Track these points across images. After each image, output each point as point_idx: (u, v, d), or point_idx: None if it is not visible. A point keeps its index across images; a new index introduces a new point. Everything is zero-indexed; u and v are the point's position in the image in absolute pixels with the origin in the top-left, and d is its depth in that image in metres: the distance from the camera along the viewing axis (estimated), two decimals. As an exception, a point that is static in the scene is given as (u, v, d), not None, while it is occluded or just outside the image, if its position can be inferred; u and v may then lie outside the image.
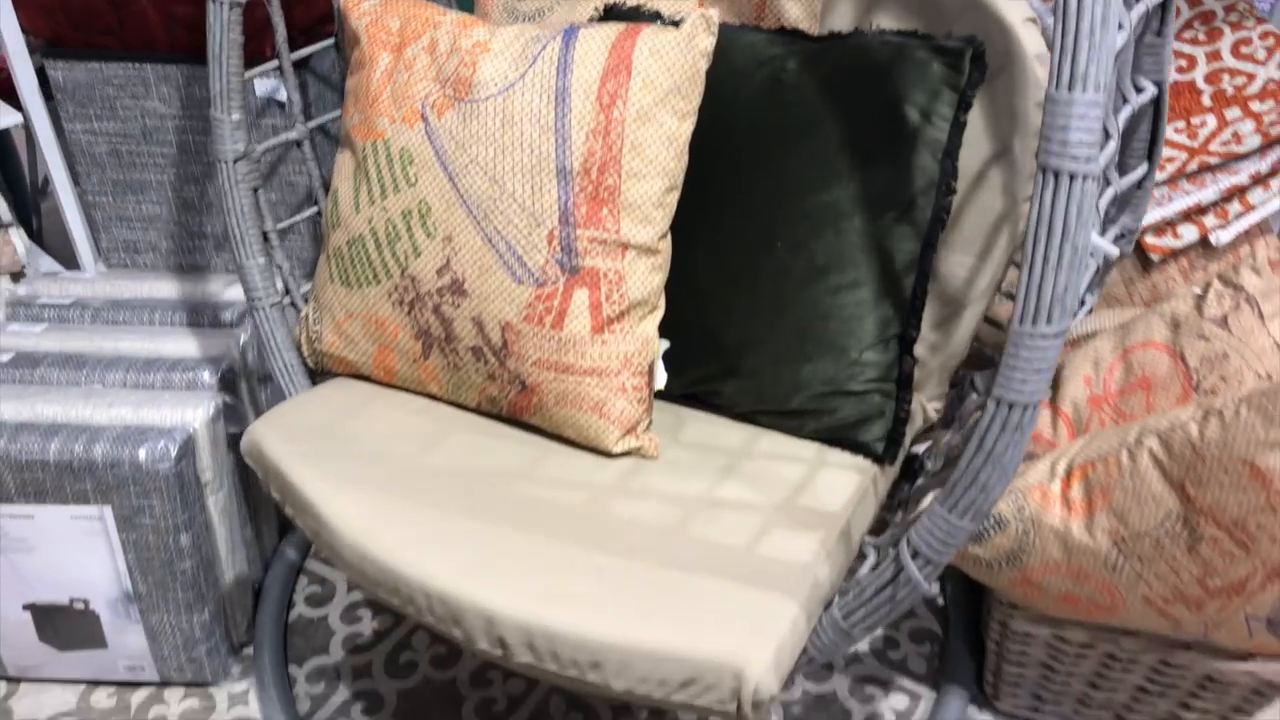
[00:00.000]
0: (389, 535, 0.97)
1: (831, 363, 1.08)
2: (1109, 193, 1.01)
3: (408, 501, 1.00)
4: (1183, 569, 1.05)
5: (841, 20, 1.14)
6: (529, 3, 1.28)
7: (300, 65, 1.31)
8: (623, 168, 1.02)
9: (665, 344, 1.12)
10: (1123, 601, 1.11)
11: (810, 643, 0.92)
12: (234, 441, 1.40)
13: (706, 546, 0.96)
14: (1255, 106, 1.29)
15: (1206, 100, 1.31)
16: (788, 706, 1.39)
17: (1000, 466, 0.79)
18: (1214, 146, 1.31)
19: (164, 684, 1.44)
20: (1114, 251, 0.75)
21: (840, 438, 1.11)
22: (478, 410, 1.16)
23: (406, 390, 1.20)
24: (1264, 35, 1.33)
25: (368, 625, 1.52)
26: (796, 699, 1.40)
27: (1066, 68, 0.69)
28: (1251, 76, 1.29)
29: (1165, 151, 1.32)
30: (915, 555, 0.86)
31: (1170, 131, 1.34)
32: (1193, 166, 1.32)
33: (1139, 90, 1.00)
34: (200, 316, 1.49)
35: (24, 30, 1.43)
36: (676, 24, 1.03)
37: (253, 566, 1.50)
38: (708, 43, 1.01)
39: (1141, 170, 1.09)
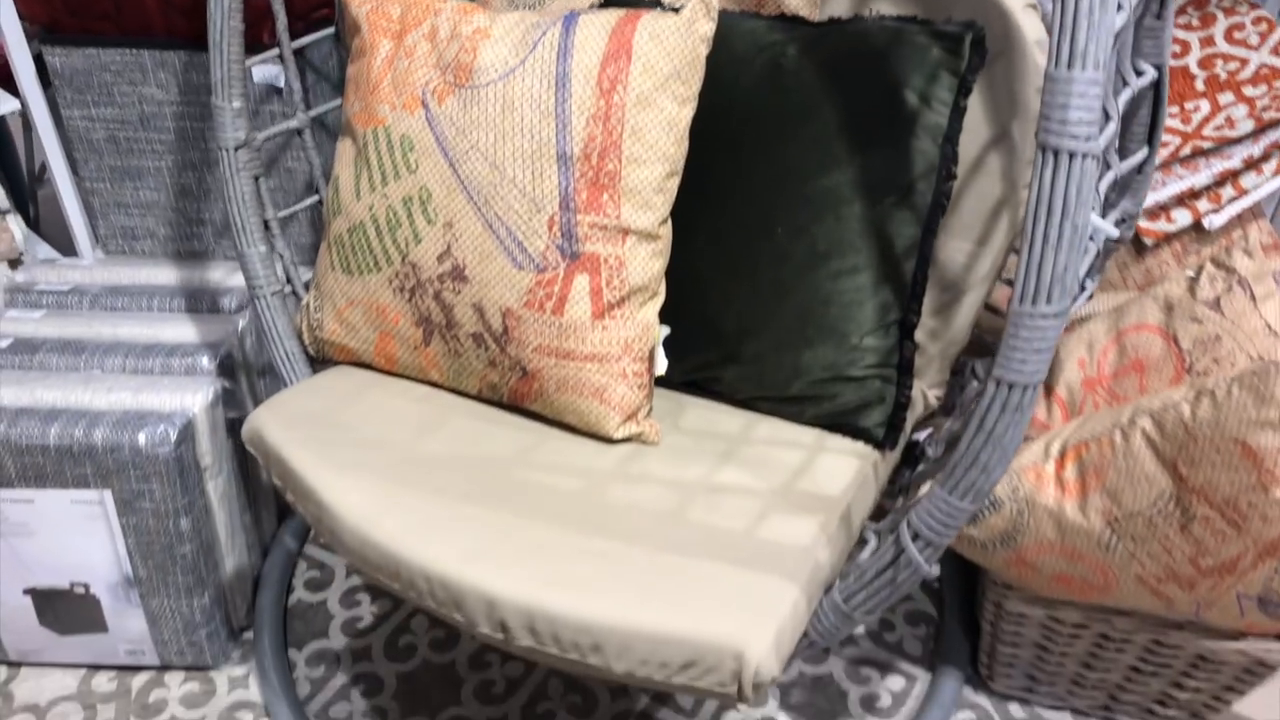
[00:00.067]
0: (390, 521, 0.97)
1: (832, 348, 1.08)
2: (1109, 176, 1.02)
3: (409, 487, 1.01)
4: (1175, 548, 1.06)
5: (841, 6, 1.14)
6: (528, -12, 1.29)
7: (297, 54, 1.31)
8: (623, 153, 1.02)
9: (666, 330, 1.13)
10: (1116, 581, 1.12)
11: (811, 626, 0.93)
12: (233, 426, 1.40)
13: (707, 530, 0.96)
14: (1248, 91, 1.30)
15: (1200, 85, 1.32)
16: (784, 688, 1.41)
17: (1001, 447, 0.79)
18: (1207, 131, 1.32)
19: (164, 668, 1.44)
20: (1114, 232, 0.76)
21: (841, 423, 1.11)
22: (478, 397, 1.17)
23: (407, 378, 1.20)
24: (1257, 20, 1.34)
25: (367, 609, 1.53)
26: (793, 680, 1.42)
27: (1066, 46, 0.70)
28: (1244, 61, 1.29)
29: (1159, 137, 1.33)
30: (916, 537, 0.86)
31: (1163, 117, 1.35)
32: (1186, 151, 1.33)
33: (1139, 73, 1.00)
34: (199, 303, 1.49)
35: (21, 17, 1.42)
36: (676, 10, 1.04)
37: (252, 551, 1.51)
38: (707, 28, 1.02)
39: (1142, 154, 1.09)
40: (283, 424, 1.10)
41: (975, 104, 1.08)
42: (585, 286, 1.05)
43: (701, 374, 1.17)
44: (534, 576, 0.90)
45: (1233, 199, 1.34)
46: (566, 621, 0.87)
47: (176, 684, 1.43)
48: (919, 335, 1.12)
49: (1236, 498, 1.00)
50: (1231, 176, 1.34)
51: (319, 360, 1.26)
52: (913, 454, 1.18)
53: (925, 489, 0.96)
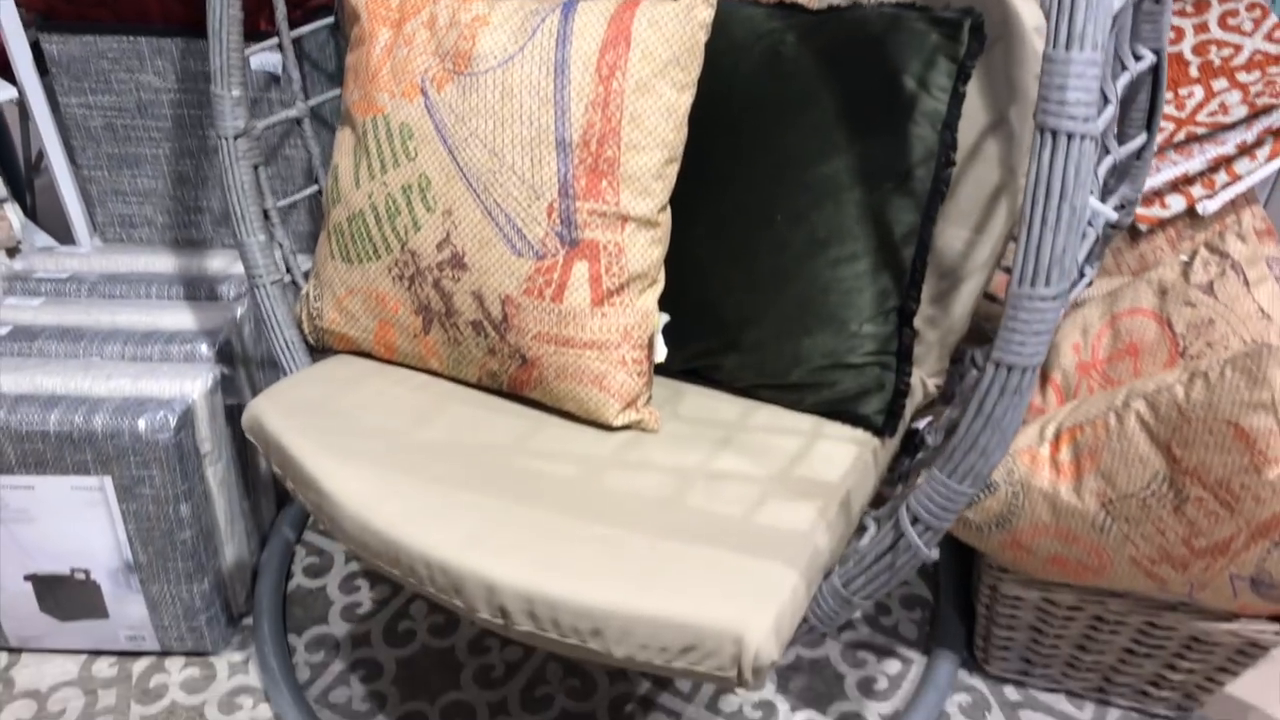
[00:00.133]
0: (390, 507, 0.97)
1: (831, 336, 1.08)
2: (1108, 161, 1.02)
3: (409, 474, 1.01)
4: (1169, 529, 1.07)
5: (838, -8, 1.14)
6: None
7: (295, 43, 1.31)
8: (622, 139, 1.02)
9: (665, 317, 1.13)
10: (1110, 563, 1.13)
11: (811, 611, 0.93)
12: (232, 413, 1.40)
13: (706, 516, 0.96)
14: (1242, 77, 1.31)
15: (1194, 71, 1.32)
16: (782, 672, 1.42)
17: (1000, 430, 0.80)
18: (1201, 117, 1.33)
19: (165, 653, 1.45)
20: (1113, 216, 0.76)
21: (840, 411, 1.11)
22: (478, 385, 1.17)
23: (407, 366, 1.20)
24: (1250, 7, 1.35)
25: (366, 595, 1.53)
26: (791, 664, 1.42)
27: (1064, 27, 0.70)
28: (1238, 48, 1.30)
29: (1154, 123, 1.33)
30: (915, 521, 0.86)
31: (1157, 104, 1.36)
32: (1180, 137, 1.34)
33: (1138, 58, 1.00)
34: (197, 290, 1.50)
35: (18, 4, 1.42)
36: (675, -4, 1.04)
37: (251, 537, 1.51)
38: (706, 14, 1.02)
39: (1140, 140, 1.10)
40: (282, 412, 1.10)
41: (973, 90, 1.08)
42: (584, 273, 1.05)
43: (701, 361, 1.17)
44: (533, 561, 0.90)
45: (1226, 184, 1.35)
46: (566, 606, 0.87)
47: (177, 669, 1.43)
48: (918, 323, 1.12)
49: (1229, 479, 1.01)
50: (1225, 162, 1.35)
51: (318, 349, 1.26)
52: (912, 442, 1.18)
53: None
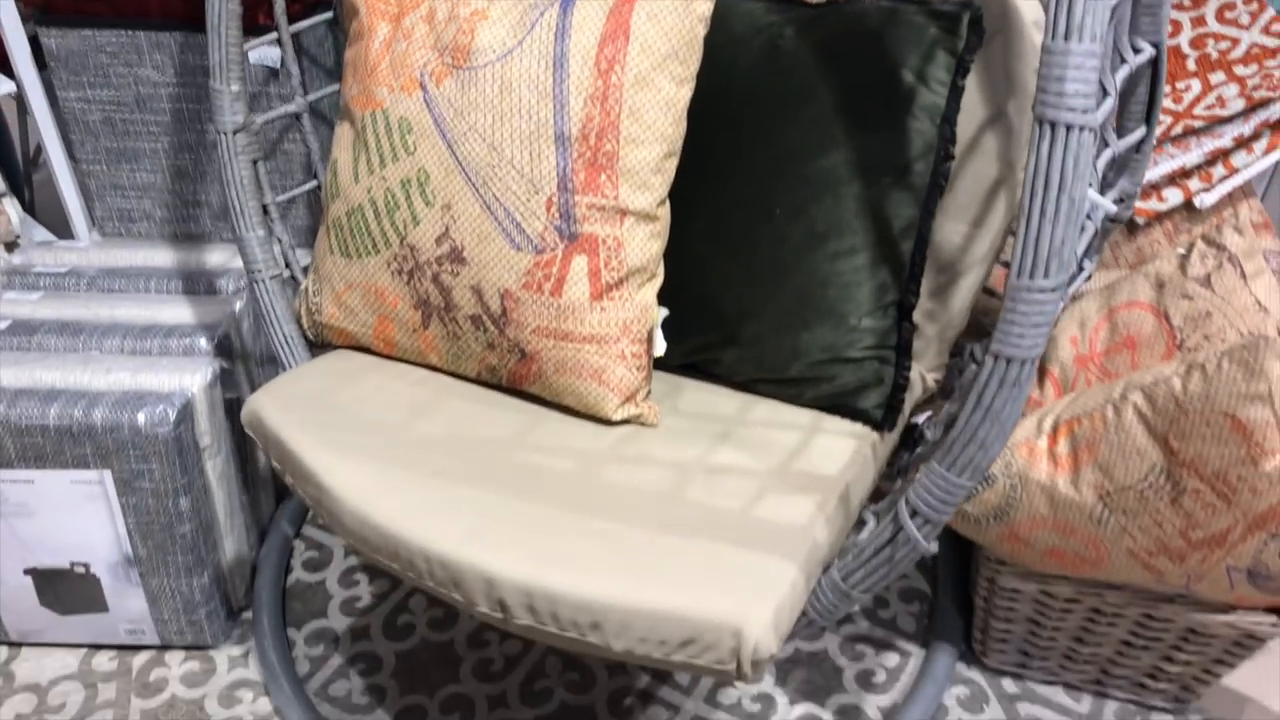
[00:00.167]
0: (389, 501, 0.97)
1: (830, 330, 1.08)
2: (1107, 154, 1.02)
3: (408, 469, 1.01)
4: (1166, 521, 1.07)
5: (838, -14, 1.14)
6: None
7: (293, 38, 1.31)
8: (621, 133, 1.02)
9: (664, 312, 1.13)
10: (1108, 555, 1.13)
11: (810, 604, 0.93)
12: (231, 408, 1.41)
13: (705, 510, 0.97)
14: (1239, 70, 1.31)
15: (1191, 65, 1.33)
16: (781, 665, 1.42)
17: (999, 423, 0.80)
18: (1198, 110, 1.33)
19: (164, 647, 1.45)
20: (1112, 208, 0.76)
21: (839, 405, 1.11)
22: (477, 380, 1.17)
23: (406, 361, 1.20)
24: (1248, 0, 1.35)
25: (365, 589, 1.54)
26: (790, 657, 1.43)
27: (1063, 19, 0.70)
28: (1235, 41, 1.30)
29: (1151, 117, 1.33)
30: (914, 514, 0.86)
31: (1155, 97, 1.36)
32: (1177, 130, 1.34)
33: (1137, 51, 1.01)
34: (196, 285, 1.50)
35: (17, -2, 1.43)
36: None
37: (250, 532, 1.52)
38: (705, 8, 1.02)
39: (1139, 133, 1.10)
40: (281, 407, 1.10)
41: (972, 84, 1.08)
42: (583, 268, 1.05)
43: (700, 356, 1.17)
44: (532, 555, 0.90)
45: (1224, 178, 1.35)
46: (565, 600, 0.87)
47: (177, 663, 1.44)
48: (917, 317, 1.12)
49: (1226, 471, 1.02)
50: (1222, 155, 1.35)
51: (317, 344, 1.26)
52: (911, 437, 1.18)
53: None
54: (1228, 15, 1.34)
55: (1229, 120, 1.33)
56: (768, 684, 1.39)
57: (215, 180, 1.57)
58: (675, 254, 1.11)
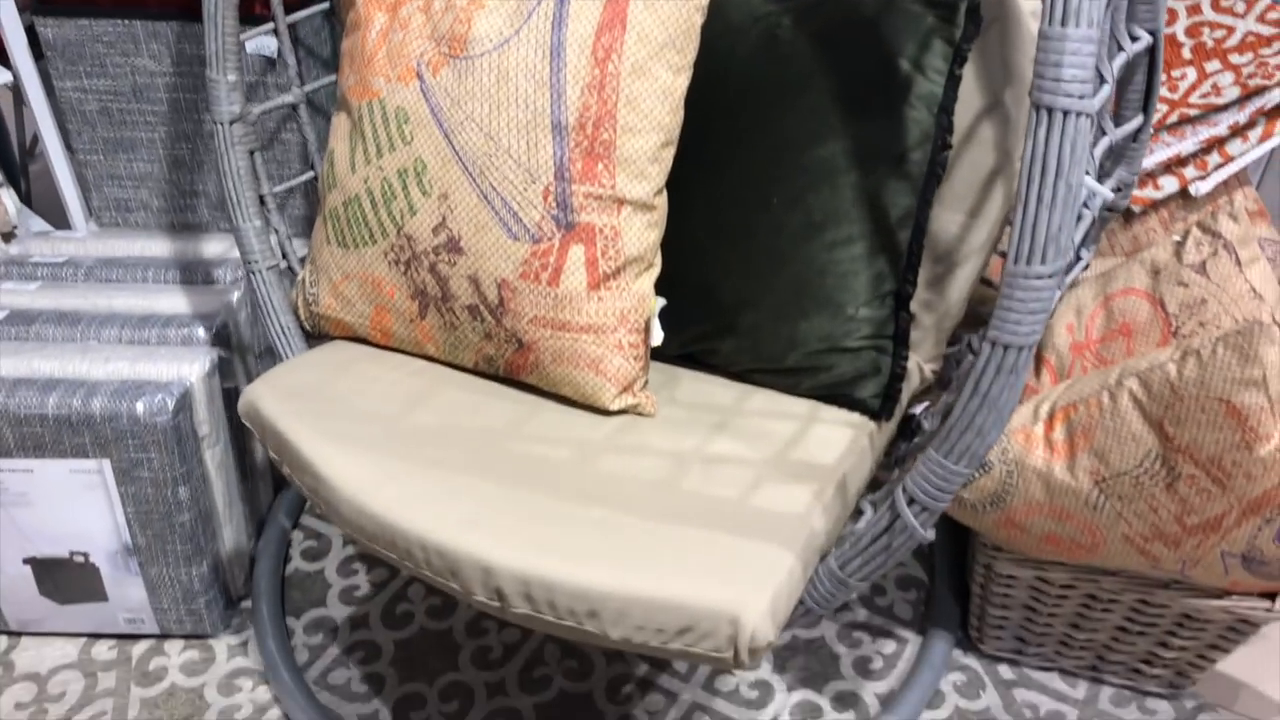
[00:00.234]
0: (387, 491, 0.97)
1: (828, 319, 1.08)
2: (1104, 143, 1.02)
3: (405, 458, 1.01)
4: (1161, 507, 1.08)
5: (835, -25, 1.14)
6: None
7: (289, 29, 1.31)
8: (618, 122, 1.02)
9: (662, 301, 1.12)
10: (1103, 540, 1.14)
11: (807, 593, 0.93)
12: (229, 397, 1.41)
13: (703, 499, 0.97)
14: (1234, 59, 1.31)
15: (1187, 53, 1.33)
16: (778, 653, 1.43)
17: (996, 410, 0.80)
18: (1194, 99, 1.33)
19: (164, 636, 1.46)
20: (1109, 195, 0.76)
21: (836, 394, 1.11)
22: (474, 370, 1.17)
23: (403, 352, 1.20)
24: (1243, -11, 1.35)
25: (364, 578, 1.54)
26: (787, 644, 1.44)
27: (1060, 4, 0.70)
28: (1231, 30, 1.30)
29: (1146, 105, 1.33)
30: (911, 502, 0.86)
31: (1150, 85, 1.36)
32: (1173, 119, 1.34)
33: (1134, 39, 1.01)
34: (194, 274, 1.50)
35: (13, -12, 1.42)
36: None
37: (249, 521, 1.52)
38: (702, -3, 1.02)
39: (1137, 122, 1.10)
40: (278, 397, 1.10)
41: (969, 74, 1.08)
42: (580, 257, 1.05)
43: (697, 346, 1.17)
44: (530, 543, 0.90)
45: (1219, 166, 1.35)
46: (563, 588, 0.87)
47: (176, 652, 1.44)
48: (914, 307, 1.12)
49: (1221, 456, 1.02)
50: (1218, 143, 1.35)
51: (315, 335, 1.26)
52: (909, 427, 1.19)
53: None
54: (1223, 4, 1.34)
55: (1224, 108, 1.33)
56: (765, 671, 1.40)
57: (213, 170, 1.57)
58: (673, 243, 1.11)
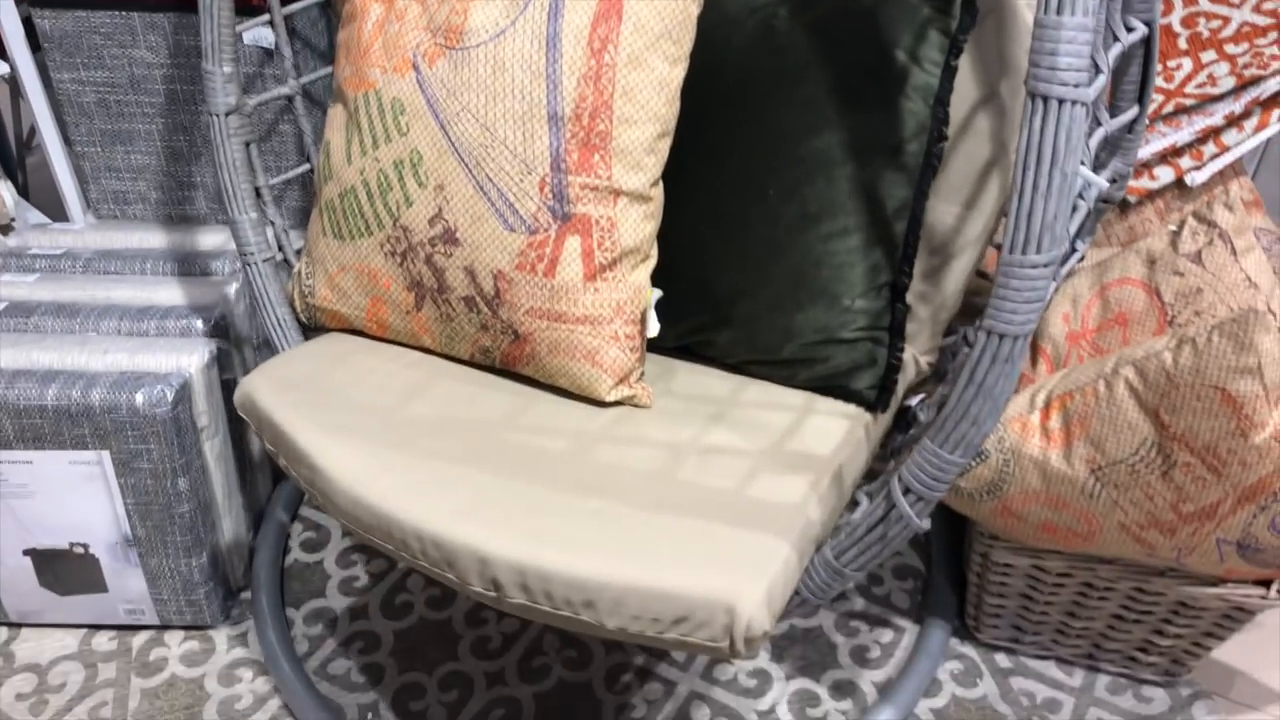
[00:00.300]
0: (383, 482, 0.97)
1: (823, 311, 1.09)
2: (1099, 133, 1.02)
3: (401, 449, 1.01)
4: (1157, 495, 1.08)
5: (831, -34, 1.14)
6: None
7: (285, 20, 1.31)
8: (614, 113, 1.02)
9: (658, 293, 1.12)
10: (1100, 528, 1.14)
11: (803, 583, 0.93)
12: (228, 388, 1.41)
13: (698, 489, 0.97)
14: (1230, 49, 1.31)
15: (1182, 43, 1.33)
16: (776, 642, 1.43)
17: (991, 399, 0.80)
18: (1189, 89, 1.33)
19: (164, 627, 1.46)
20: (1105, 184, 0.76)
21: (832, 386, 1.11)
22: (470, 362, 1.17)
23: (399, 344, 1.20)
24: (1239, -21, 1.35)
25: (363, 569, 1.54)
26: (785, 634, 1.44)
27: (1055, -9, 0.70)
28: (1226, 20, 1.30)
29: (1142, 95, 1.34)
30: (907, 492, 0.86)
31: (1147, 75, 1.36)
32: (1169, 109, 1.34)
33: (1129, 30, 1.01)
34: (192, 266, 1.50)
35: (10, -20, 1.42)
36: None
37: (248, 512, 1.52)
38: (698, -12, 1.02)
39: (1132, 113, 1.10)
40: (274, 389, 1.10)
41: (964, 65, 1.08)
42: (577, 248, 1.05)
43: (693, 338, 1.17)
44: (526, 534, 0.91)
45: (1215, 155, 1.35)
46: (559, 578, 0.87)
47: (176, 643, 1.44)
48: (909, 299, 1.13)
49: (1216, 444, 1.03)
50: (1213, 133, 1.36)
51: (311, 327, 1.26)
52: (905, 419, 1.19)
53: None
54: (1219, -7, 1.34)
55: (1220, 98, 1.33)
56: (763, 660, 1.41)
57: (210, 162, 1.57)
58: (669, 235, 1.11)
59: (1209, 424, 1.02)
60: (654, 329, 1.12)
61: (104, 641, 1.44)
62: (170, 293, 1.44)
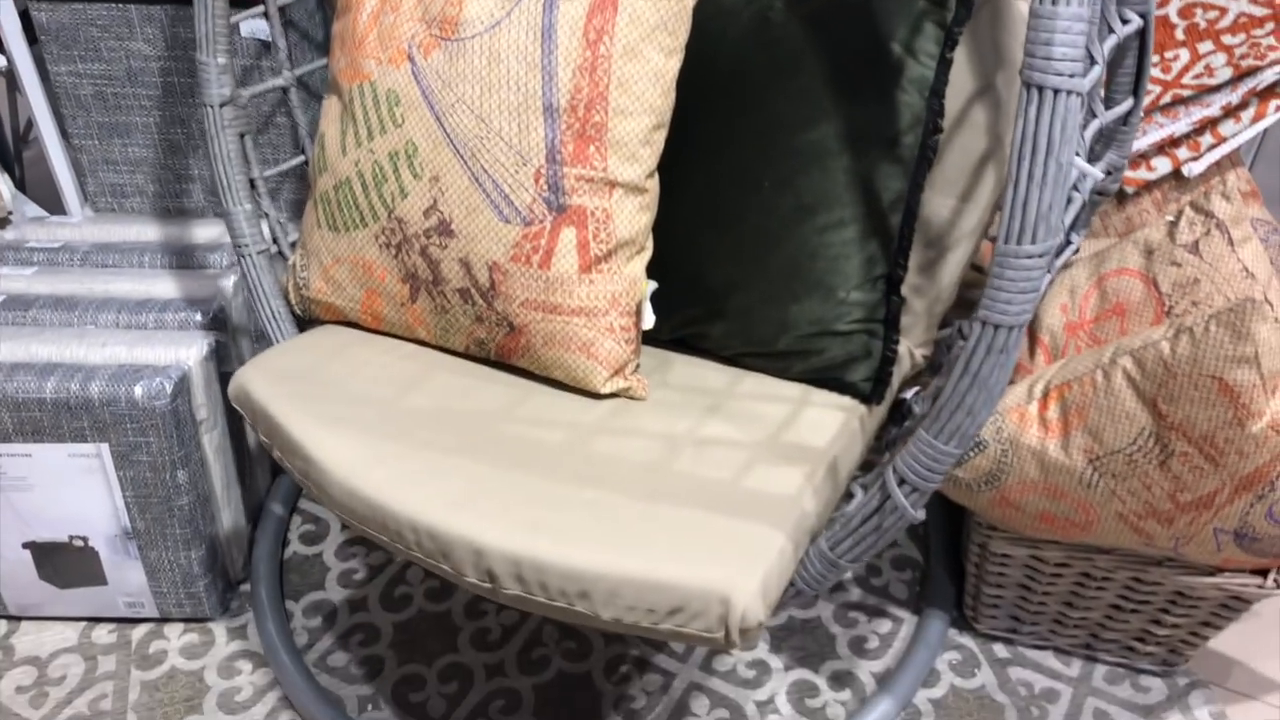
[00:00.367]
0: (378, 473, 0.98)
1: (819, 303, 1.08)
2: (1094, 125, 1.02)
3: (396, 440, 1.01)
4: (1154, 484, 1.08)
5: (826, -43, 1.14)
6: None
7: (280, 11, 1.30)
8: (609, 104, 1.02)
9: (653, 285, 1.12)
10: (1097, 518, 1.14)
11: (798, 574, 0.94)
12: (226, 381, 1.41)
13: (693, 480, 0.97)
14: (1227, 40, 1.31)
15: (1180, 34, 1.32)
16: (774, 632, 1.43)
17: (986, 389, 0.80)
18: (1186, 80, 1.33)
19: (163, 620, 1.46)
20: (1099, 175, 0.76)
21: (827, 378, 1.11)
22: (465, 354, 1.17)
23: (394, 336, 1.20)
24: (1236, -31, 1.35)
25: (362, 562, 1.55)
26: (783, 624, 1.44)
27: (1051, -19, 0.70)
28: (1223, 10, 1.30)
29: (1140, 85, 1.33)
30: (902, 482, 0.87)
31: (1144, 65, 1.36)
32: (1166, 100, 1.34)
33: (1125, 21, 1.01)
34: (190, 259, 1.50)
35: (6, -27, 1.42)
36: (662, -39, 1.03)
37: (247, 504, 1.53)
38: (693, -21, 1.02)
39: (1127, 105, 1.10)
40: (269, 381, 1.11)
41: (960, 57, 1.08)
42: (572, 240, 1.05)
43: (689, 330, 1.17)
44: (521, 524, 0.91)
45: (1212, 146, 1.35)
46: (553, 568, 0.88)
47: (176, 635, 1.45)
48: (904, 292, 1.12)
49: (1214, 433, 1.03)
50: (1210, 124, 1.35)
51: (306, 319, 1.26)
52: (899, 412, 1.19)
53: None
54: (1216, -17, 1.34)
55: (1217, 89, 1.33)
56: (762, 651, 1.41)
57: (207, 154, 1.56)
58: (664, 227, 1.11)
59: (1206, 413, 1.02)
60: (649, 321, 1.11)
61: (104, 634, 1.45)
62: (168, 285, 1.44)
